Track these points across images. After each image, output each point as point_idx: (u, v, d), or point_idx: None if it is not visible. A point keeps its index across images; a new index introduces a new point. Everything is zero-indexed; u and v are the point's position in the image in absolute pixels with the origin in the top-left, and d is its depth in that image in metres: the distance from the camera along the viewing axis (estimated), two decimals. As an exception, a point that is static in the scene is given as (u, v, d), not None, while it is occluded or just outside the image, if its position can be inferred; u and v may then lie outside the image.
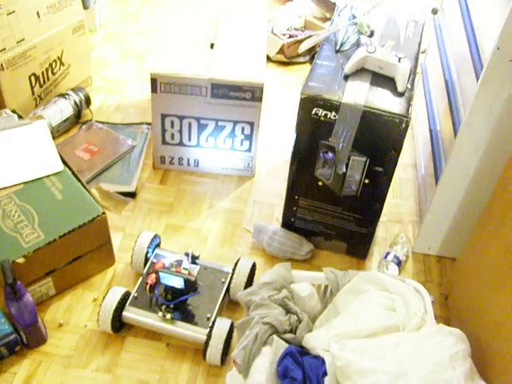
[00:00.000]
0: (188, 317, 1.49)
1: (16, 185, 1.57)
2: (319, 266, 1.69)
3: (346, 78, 1.49)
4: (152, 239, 1.63)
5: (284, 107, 2.26)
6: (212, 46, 1.85)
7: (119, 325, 1.50)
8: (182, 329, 1.47)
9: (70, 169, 1.64)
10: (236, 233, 1.79)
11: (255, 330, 1.26)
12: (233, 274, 1.56)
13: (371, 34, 1.62)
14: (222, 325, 1.43)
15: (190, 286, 1.47)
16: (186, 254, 1.58)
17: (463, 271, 1.52)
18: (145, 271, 1.59)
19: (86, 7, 2.31)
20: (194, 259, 1.59)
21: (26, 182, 1.58)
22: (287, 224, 1.74)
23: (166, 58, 1.79)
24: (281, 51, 2.43)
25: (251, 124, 1.81)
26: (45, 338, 1.48)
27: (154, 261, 1.59)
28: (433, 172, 1.71)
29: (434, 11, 2.04)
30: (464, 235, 1.59)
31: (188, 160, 1.93)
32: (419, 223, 1.84)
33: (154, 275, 1.50)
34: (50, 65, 2.01)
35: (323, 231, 1.71)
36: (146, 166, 1.97)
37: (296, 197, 1.66)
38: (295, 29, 2.54)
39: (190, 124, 1.82)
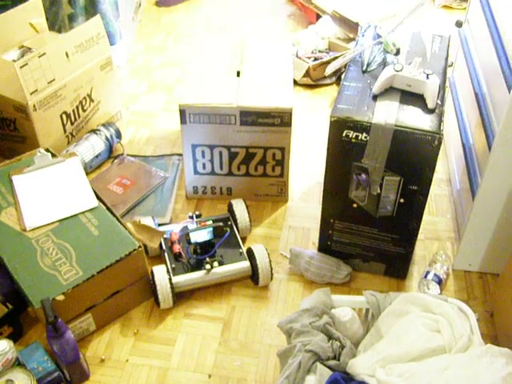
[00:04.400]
0: (226, 260, 1.66)
1: (52, 223, 1.60)
2: (358, 288, 1.68)
3: (375, 98, 1.48)
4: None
5: (313, 130, 2.26)
6: (238, 73, 1.86)
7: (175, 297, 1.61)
8: (228, 270, 1.65)
9: (105, 204, 1.65)
10: (273, 259, 1.77)
11: (298, 358, 1.24)
12: (234, 216, 1.78)
13: (397, 52, 1.61)
14: (259, 249, 1.65)
15: (220, 231, 1.64)
16: (191, 217, 1.74)
17: (508, 286, 1.48)
18: (163, 247, 1.70)
19: (112, 43, 2.35)
20: (198, 217, 1.75)
21: (62, 220, 1.60)
22: (324, 248, 1.72)
23: (193, 89, 1.80)
24: (307, 74, 2.43)
25: (282, 149, 1.81)
26: (87, 375, 1.48)
27: (166, 236, 1.71)
28: (468, 187, 1.67)
29: (459, 24, 2.02)
30: (506, 249, 1.56)
31: (221, 189, 1.93)
32: (457, 239, 1.81)
33: (176, 245, 1.67)
34: (80, 102, 2.04)
35: (361, 253, 1.69)
36: (179, 197, 1.98)
37: (331, 220, 1.64)
38: (320, 51, 2.54)
39: (220, 153, 1.83)
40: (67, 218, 1.60)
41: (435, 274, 1.67)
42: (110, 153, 2.12)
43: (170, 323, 1.61)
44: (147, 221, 1.74)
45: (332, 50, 2.56)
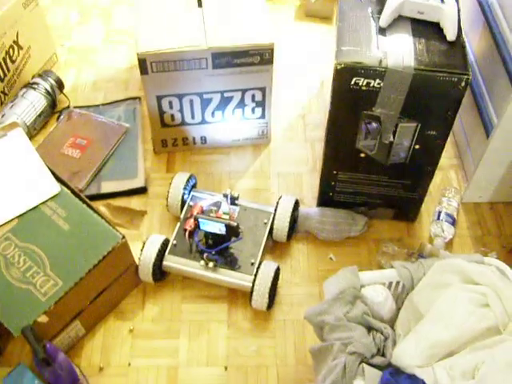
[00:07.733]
0: (231, 263, 1.41)
1: (9, 221, 1.32)
2: (366, 238, 1.53)
3: (383, 31, 1.24)
4: (188, 180, 1.51)
5: (282, 51, 1.94)
6: (200, 3, 1.55)
7: (160, 275, 1.43)
8: (226, 276, 1.40)
9: (67, 186, 1.38)
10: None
11: (341, 361, 1.08)
12: (275, 214, 1.46)
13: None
14: (268, 269, 1.37)
15: (232, 232, 1.37)
16: (225, 196, 1.47)
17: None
18: (182, 216, 1.47)
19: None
20: (233, 200, 1.48)
21: (22, 215, 1.33)
22: (324, 200, 1.53)
23: (150, 31, 1.49)
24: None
25: (263, 89, 1.55)
26: (89, 392, 1.30)
27: (191, 204, 1.49)
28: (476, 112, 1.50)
29: None
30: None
31: (194, 138, 1.67)
32: (461, 166, 1.66)
33: (192, 220, 1.40)
34: (7, 53, 1.68)
35: (367, 201, 1.52)
36: (147, 152, 1.70)
37: (334, 172, 1.44)
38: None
39: (191, 101, 1.56)
40: (27, 211, 1.34)
41: (447, 214, 1.53)
42: (54, 107, 1.79)
43: (167, 312, 1.42)
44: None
45: None
